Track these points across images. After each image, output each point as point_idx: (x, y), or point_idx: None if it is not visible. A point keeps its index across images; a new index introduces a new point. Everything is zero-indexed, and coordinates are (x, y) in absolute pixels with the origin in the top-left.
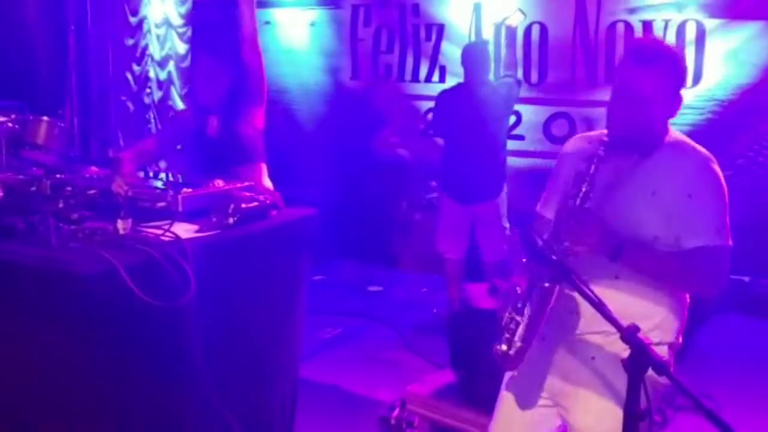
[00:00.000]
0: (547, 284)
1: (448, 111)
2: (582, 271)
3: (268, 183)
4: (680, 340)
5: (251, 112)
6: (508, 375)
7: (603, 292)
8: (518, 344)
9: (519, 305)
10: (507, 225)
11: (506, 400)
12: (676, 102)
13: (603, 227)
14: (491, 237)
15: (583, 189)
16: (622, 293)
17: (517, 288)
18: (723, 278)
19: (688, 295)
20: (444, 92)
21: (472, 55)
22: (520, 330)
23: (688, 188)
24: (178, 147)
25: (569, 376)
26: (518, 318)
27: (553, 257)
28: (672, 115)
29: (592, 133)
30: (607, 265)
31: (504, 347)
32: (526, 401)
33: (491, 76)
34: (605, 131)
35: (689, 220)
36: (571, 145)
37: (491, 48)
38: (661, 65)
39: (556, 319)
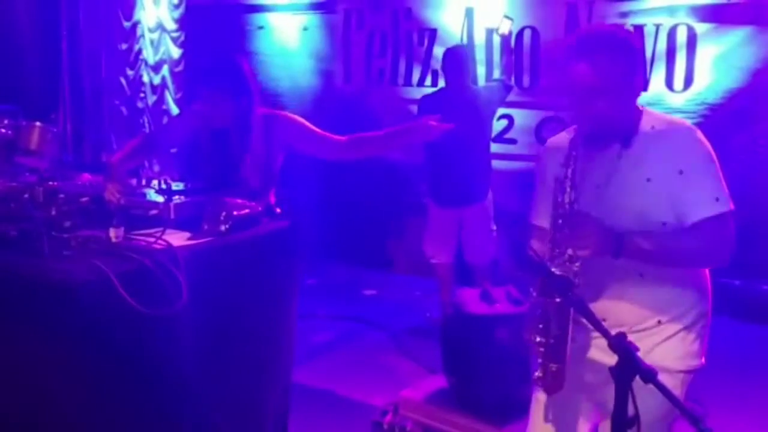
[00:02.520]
0: (558, 299)
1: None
2: (606, 273)
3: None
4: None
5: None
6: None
7: (629, 291)
8: (553, 367)
9: (541, 327)
10: (494, 227)
11: (540, 403)
12: (636, 83)
13: (599, 226)
14: (478, 240)
15: (568, 192)
16: (648, 288)
17: (537, 310)
18: (731, 244)
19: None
20: (426, 97)
21: (452, 60)
22: (549, 352)
23: (679, 165)
24: (173, 150)
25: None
26: (542, 340)
27: (553, 270)
28: (636, 95)
29: (563, 134)
30: (628, 264)
31: (539, 373)
32: (564, 404)
33: (482, 81)
34: (572, 129)
35: (688, 197)
36: (546, 150)
37: (483, 53)
38: (601, 54)
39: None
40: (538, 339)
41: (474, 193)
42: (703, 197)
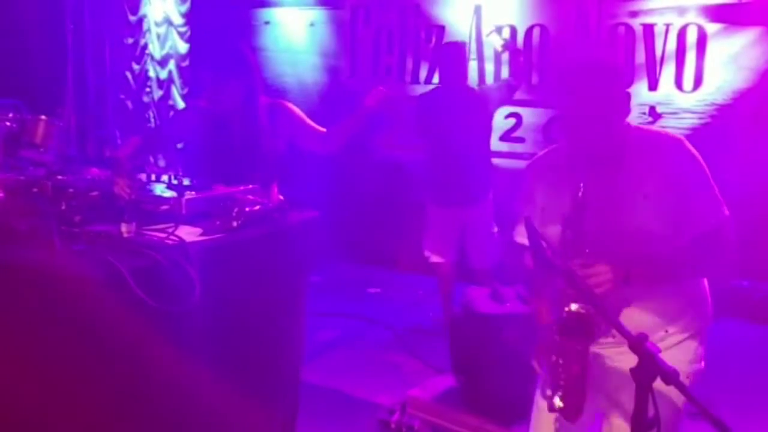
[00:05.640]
0: (580, 348)
1: (427, 115)
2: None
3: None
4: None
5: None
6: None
7: (635, 303)
8: (574, 401)
9: (561, 362)
10: (495, 229)
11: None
12: (624, 103)
13: (609, 265)
14: (480, 241)
15: (579, 215)
16: (655, 300)
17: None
18: (732, 250)
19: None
20: (422, 96)
21: (445, 56)
22: (571, 388)
23: (674, 179)
24: (179, 146)
25: (608, 396)
26: (563, 376)
27: (559, 264)
28: (625, 114)
29: (548, 153)
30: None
31: (560, 404)
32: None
33: (490, 78)
34: (556, 147)
35: (686, 209)
36: (533, 169)
37: (491, 50)
38: (592, 79)
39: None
40: (560, 373)
41: (473, 193)
42: (701, 209)
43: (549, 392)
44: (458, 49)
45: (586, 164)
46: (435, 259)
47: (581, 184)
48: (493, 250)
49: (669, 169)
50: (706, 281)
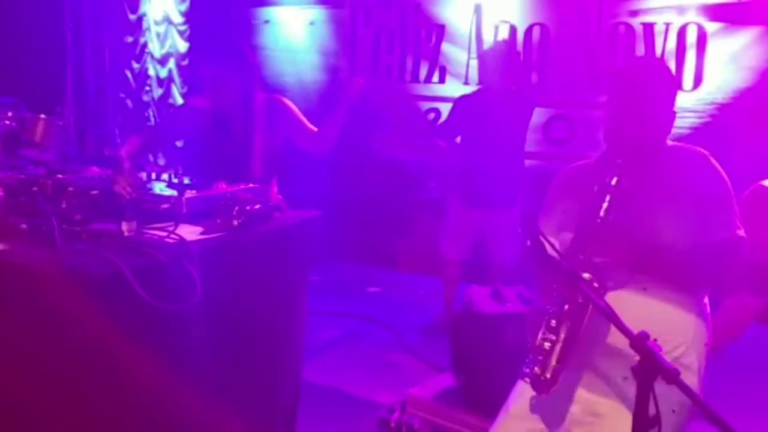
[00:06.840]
0: (581, 300)
1: (468, 115)
2: (609, 281)
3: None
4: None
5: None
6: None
7: (630, 301)
8: (554, 365)
9: (553, 324)
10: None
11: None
12: (671, 113)
13: (628, 241)
14: (504, 243)
15: (607, 201)
16: (650, 306)
17: (549, 308)
18: (741, 268)
19: (708, 308)
20: (464, 96)
21: (485, 60)
22: (556, 350)
23: (695, 188)
24: (179, 144)
25: (599, 391)
26: (553, 337)
27: (563, 264)
28: (668, 126)
29: (576, 165)
30: (634, 275)
31: (538, 370)
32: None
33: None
34: (589, 161)
35: (701, 219)
36: (565, 176)
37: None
38: (657, 80)
39: (587, 335)
40: (545, 336)
41: (503, 197)
42: (718, 222)
43: (529, 370)
44: (494, 52)
45: (618, 165)
46: (450, 256)
47: (617, 168)
48: (516, 251)
49: (694, 179)
50: (708, 311)
